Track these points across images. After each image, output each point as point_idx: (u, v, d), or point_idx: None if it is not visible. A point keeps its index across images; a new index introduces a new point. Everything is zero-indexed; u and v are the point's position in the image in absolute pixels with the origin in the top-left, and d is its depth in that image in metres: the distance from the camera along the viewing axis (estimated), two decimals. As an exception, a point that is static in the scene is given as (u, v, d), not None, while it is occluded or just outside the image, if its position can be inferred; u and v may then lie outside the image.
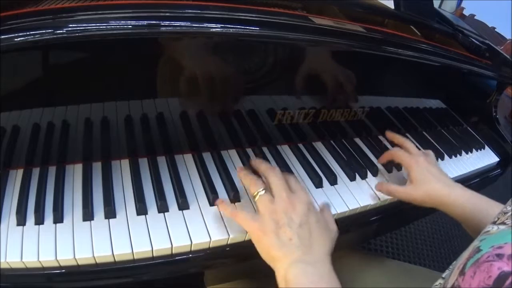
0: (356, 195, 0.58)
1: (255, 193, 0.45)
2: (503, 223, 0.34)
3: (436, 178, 0.56)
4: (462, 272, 0.29)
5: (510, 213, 0.34)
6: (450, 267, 0.40)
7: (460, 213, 0.53)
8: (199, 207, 0.48)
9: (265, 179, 0.47)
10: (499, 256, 0.26)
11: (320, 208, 0.49)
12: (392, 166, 0.65)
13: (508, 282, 0.24)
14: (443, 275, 0.41)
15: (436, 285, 0.39)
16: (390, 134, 0.68)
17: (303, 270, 0.39)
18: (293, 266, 0.39)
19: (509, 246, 0.27)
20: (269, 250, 0.41)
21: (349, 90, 0.64)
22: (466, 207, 0.52)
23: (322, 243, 0.43)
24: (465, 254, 0.31)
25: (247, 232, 0.45)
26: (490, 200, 0.53)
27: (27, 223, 0.42)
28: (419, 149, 0.64)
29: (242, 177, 0.48)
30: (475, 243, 0.31)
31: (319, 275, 0.39)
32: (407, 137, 0.77)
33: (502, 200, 0.41)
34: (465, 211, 0.53)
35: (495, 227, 0.33)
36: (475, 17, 2.41)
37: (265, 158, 0.59)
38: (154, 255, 0.43)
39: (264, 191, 0.44)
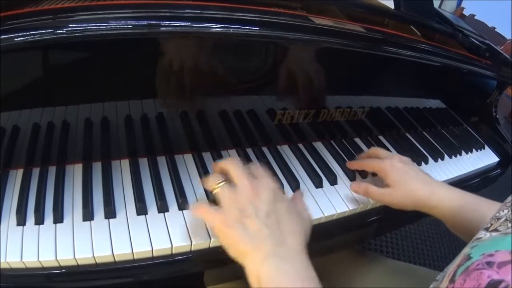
0: (356, 195, 0.57)
1: (214, 186, 0.41)
2: (495, 229, 0.32)
3: (414, 177, 0.51)
4: (452, 280, 0.28)
5: (503, 219, 0.33)
6: (445, 269, 0.39)
7: (447, 215, 0.49)
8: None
9: (227, 173, 0.43)
10: (489, 264, 0.25)
11: (293, 196, 0.47)
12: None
13: None
14: (437, 277, 0.40)
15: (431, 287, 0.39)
16: (350, 164, 0.61)
17: (278, 267, 0.36)
18: (266, 262, 0.36)
19: (499, 254, 0.26)
20: (236, 245, 0.38)
21: (348, 90, 0.64)
22: (453, 208, 0.49)
23: (295, 234, 0.39)
24: (456, 261, 0.30)
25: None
26: (480, 198, 0.49)
27: (27, 223, 0.42)
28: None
29: (203, 183, 0.44)
30: (466, 250, 0.30)
31: (296, 272, 0.36)
32: (406, 137, 0.77)
33: (502, 200, 0.40)
34: (453, 213, 0.49)
35: (488, 234, 0.32)
36: (475, 17, 2.41)
37: (265, 158, 0.59)
38: (154, 255, 0.43)
39: (223, 182, 0.40)
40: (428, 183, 0.51)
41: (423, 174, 0.53)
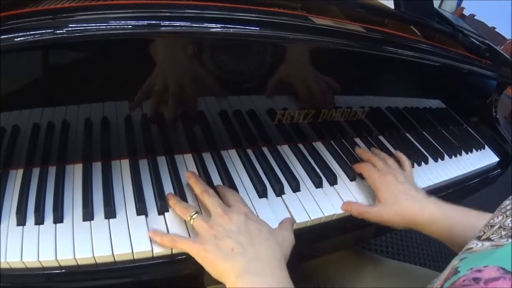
0: (356, 195, 0.58)
1: (188, 218, 0.44)
2: (488, 238, 0.31)
3: (405, 195, 0.52)
4: None
5: (496, 226, 0.32)
6: (439, 276, 0.38)
7: (437, 231, 0.50)
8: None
9: (202, 204, 0.47)
10: (476, 280, 0.25)
11: (283, 220, 0.49)
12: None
13: None
14: (432, 282, 0.40)
15: None
16: (359, 150, 0.65)
17: (253, 282, 0.37)
18: (240, 279, 0.38)
19: (488, 270, 0.25)
20: (215, 267, 0.40)
21: (348, 90, 0.64)
22: (442, 224, 0.50)
23: (268, 249, 0.41)
24: (444, 274, 0.30)
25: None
26: (470, 210, 0.51)
27: (27, 223, 0.42)
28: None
29: (172, 206, 0.46)
30: (455, 263, 0.30)
31: (268, 286, 0.37)
32: (406, 137, 0.77)
33: (502, 200, 0.40)
34: (442, 228, 0.50)
35: (479, 244, 0.31)
36: (475, 17, 2.41)
37: (265, 158, 0.59)
38: (154, 255, 0.43)
39: (196, 214, 0.44)
40: (418, 200, 0.52)
41: (415, 191, 0.54)
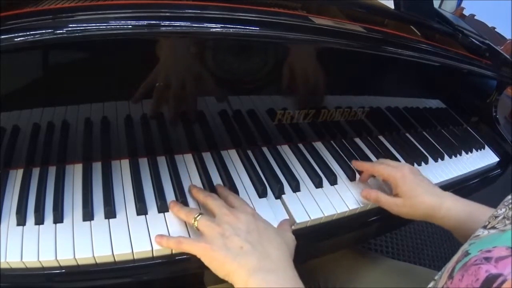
0: (356, 195, 0.58)
1: (192, 221, 0.43)
2: (493, 227, 0.33)
3: (425, 190, 0.53)
4: (450, 276, 0.29)
5: (500, 217, 0.34)
6: (443, 269, 0.40)
7: (453, 224, 0.51)
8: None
9: (206, 207, 0.46)
10: (487, 259, 0.26)
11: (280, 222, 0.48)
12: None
13: (495, 284, 0.24)
14: (435, 277, 0.41)
15: (429, 287, 0.39)
16: (357, 163, 0.61)
17: (265, 280, 0.37)
18: (253, 277, 0.37)
19: (497, 250, 0.26)
20: (223, 266, 0.39)
21: (349, 90, 0.64)
22: (459, 218, 0.51)
23: (278, 246, 0.41)
24: (455, 258, 0.31)
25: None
26: (483, 206, 0.52)
27: (27, 223, 0.42)
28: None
29: (176, 213, 0.46)
30: (464, 247, 0.31)
31: (282, 283, 0.37)
32: (406, 137, 0.77)
33: (502, 200, 0.41)
34: (459, 221, 0.51)
35: (485, 232, 0.33)
36: (475, 17, 2.41)
37: (265, 158, 0.59)
38: (154, 255, 0.43)
39: (200, 215, 0.43)
40: (437, 195, 0.53)
41: (432, 185, 0.55)
